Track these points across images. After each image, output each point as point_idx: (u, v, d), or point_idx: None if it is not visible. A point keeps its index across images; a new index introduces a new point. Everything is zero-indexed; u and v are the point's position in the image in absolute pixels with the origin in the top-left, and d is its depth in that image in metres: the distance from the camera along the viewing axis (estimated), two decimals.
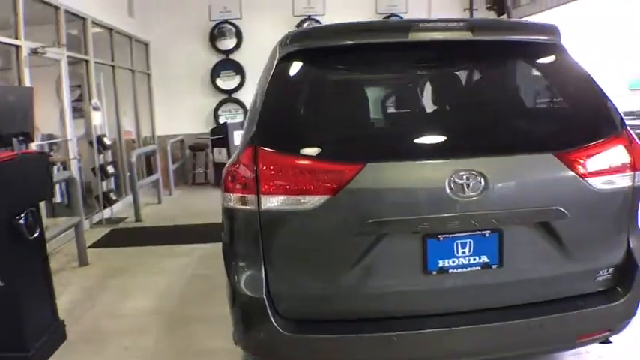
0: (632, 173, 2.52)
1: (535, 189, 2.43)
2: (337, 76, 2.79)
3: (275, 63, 2.61)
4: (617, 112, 2.62)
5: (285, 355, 2.47)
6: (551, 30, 2.72)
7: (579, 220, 2.44)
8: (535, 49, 2.73)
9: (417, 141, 2.54)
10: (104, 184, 7.76)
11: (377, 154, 2.37)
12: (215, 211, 8.68)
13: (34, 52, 6.24)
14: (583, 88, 2.64)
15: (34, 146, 5.47)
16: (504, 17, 10.20)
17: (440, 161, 2.37)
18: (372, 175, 2.30)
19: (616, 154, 2.51)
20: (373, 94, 2.94)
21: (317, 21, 11.12)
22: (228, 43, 11.36)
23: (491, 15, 10.86)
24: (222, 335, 3.53)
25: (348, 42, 2.54)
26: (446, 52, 2.70)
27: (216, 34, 11.31)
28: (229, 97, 11.55)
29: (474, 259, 2.41)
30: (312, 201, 2.30)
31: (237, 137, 10.31)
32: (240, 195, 2.41)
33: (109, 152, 8.05)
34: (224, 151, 10.50)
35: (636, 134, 2.62)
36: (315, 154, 2.36)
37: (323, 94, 2.74)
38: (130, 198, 8.42)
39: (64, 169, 6.96)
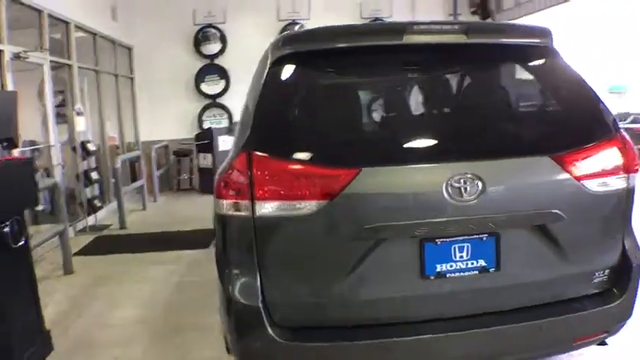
0: (626, 175, 2.54)
1: (532, 192, 2.42)
2: (331, 80, 2.76)
3: (268, 66, 2.57)
4: (611, 114, 2.64)
5: None
6: (544, 33, 2.72)
7: (576, 223, 2.45)
8: (528, 51, 2.73)
9: (413, 145, 2.52)
10: (88, 190, 7.64)
11: (373, 158, 2.34)
12: (201, 217, 8.64)
13: (16, 56, 6.13)
14: (577, 91, 2.64)
15: (16, 152, 5.36)
16: (489, 21, 10.28)
17: (437, 165, 2.35)
18: (369, 179, 2.27)
19: (611, 157, 2.51)
20: (368, 97, 2.92)
21: (302, 25, 11.09)
22: (213, 48, 11.29)
23: (475, 19, 10.94)
24: (214, 344, 3.48)
25: (342, 45, 2.51)
26: (440, 54, 2.69)
27: (200, 38, 11.24)
28: (214, 102, 11.48)
29: (472, 264, 2.39)
30: (308, 206, 2.27)
31: (223, 142, 10.30)
32: (234, 201, 2.36)
33: (93, 158, 7.93)
34: (209, 156, 10.43)
35: None
36: (310, 159, 2.32)
37: (317, 98, 2.71)
38: (114, 204, 8.30)
39: (48, 175, 6.83)
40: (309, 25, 10.67)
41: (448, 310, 2.43)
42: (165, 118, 11.13)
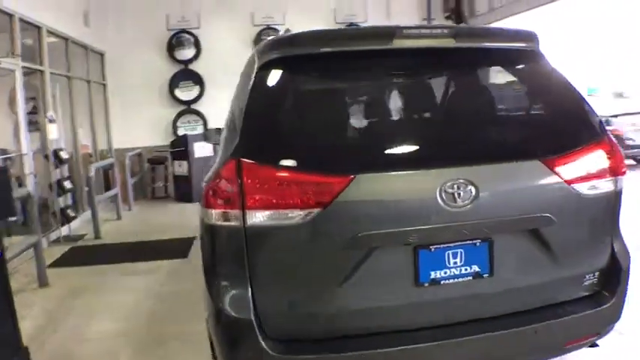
0: (614, 178, 2.56)
1: (524, 196, 2.41)
2: (321, 85, 2.72)
3: (255, 71, 2.51)
4: (597, 116, 2.66)
5: None
6: (530, 36, 2.73)
7: (567, 226, 2.45)
8: (516, 55, 2.74)
9: (406, 150, 2.49)
10: (61, 199, 7.45)
11: (367, 165, 2.30)
12: (178, 225, 8.48)
13: None
14: (564, 94, 2.66)
15: None
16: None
17: (430, 170, 2.32)
18: (363, 186, 2.23)
19: (600, 160, 2.53)
20: (359, 102, 2.88)
21: (277, 30, 11.04)
22: (187, 53, 11.17)
23: (449, 24, 11.05)
24: (198, 354, 3.39)
25: (332, 49, 2.47)
26: (430, 59, 2.67)
27: (174, 43, 11.11)
28: (188, 108, 11.35)
29: (465, 269, 2.37)
30: (301, 215, 2.21)
31: (199, 149, 10.18)
32: (223, 210, 2.29)
33: (66, 166, 7.74)
34: (185, 163, 10.31)
35: None
36: (302, 166, 2.26)
37: (308, 103, 2.67)
38: (88, 214, 8.12)
39: (20, 185, 6.63)
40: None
41: (442, 317, 2.41)
42: (138, 124, 10.94)
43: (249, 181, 2.23)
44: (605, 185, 2.53)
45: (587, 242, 2.59)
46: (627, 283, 2.63)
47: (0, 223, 4.69)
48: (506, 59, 2.78)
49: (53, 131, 7.21)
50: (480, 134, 2.58)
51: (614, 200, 2.59)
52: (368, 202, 2.24)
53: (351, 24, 11.23)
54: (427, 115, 2.92)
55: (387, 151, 2.45)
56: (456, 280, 2.36)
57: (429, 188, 2.26)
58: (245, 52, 11.79)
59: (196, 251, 6.12)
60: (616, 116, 13.10)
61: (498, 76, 2.94)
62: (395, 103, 2.81)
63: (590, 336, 2.61)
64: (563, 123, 2.62)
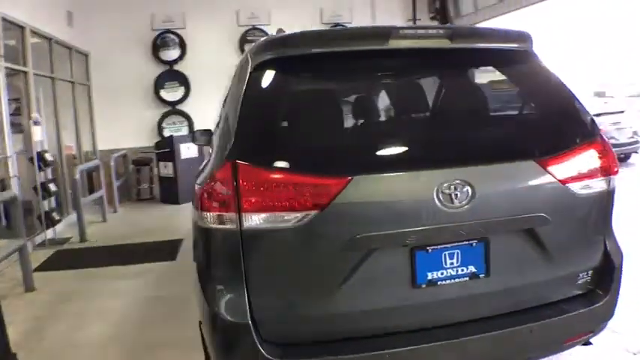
0: (607, 177, 2.58)
1: (519, 196, 2.42)
2: (316, 85, 2.71)
3: (249, 72, 2.48)
4: (590, 116, 2.67)
5: None
6: (524, 37, 2.74)
7: (561, 225, 2.47)
8: (511, 56, 2.75)
9: (404, 151, 2.48)
10: (46, 202, 7.33)
11: (364, 166, 2.28)
12: (164, 227, 8.37)
13: None
14: (558, 95, 2.68)
15: None
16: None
17: (427, 171, 2.31)
18: (360, 188, 2.21)
19: (593, 159, 2.55)
20: (355, 103, 2.86)
21: (262, 31, 11.01)
22: (172, 54, 11.06)
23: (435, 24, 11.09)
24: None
25: (327, 49, 2.45)
26: (426, 59, 2.67)
27: (159, 44, 11.00)
28: (174, 109, 11.25)
29: (462, 270, 2.37)
30: (298, 217, 2.19)
31: (185, 150, 10.11)
32: (219, 213, 2.27)
33: (50, 169, 7.62)
34: (170, 165, 10.22)
35: None
36: (299, 168, 2.24)
37: (304, 104, 2.64)
38: (73, 217, 7.99)
39: (4, 188, 6.52)
40: (270, 31, 10.61)
41: (439, 318, 2.40)
42: (123, 125, 10.82)
43: (245, 183, 2.21)
44: (598, 184, 2.55)
45: (581, 241, 2.61)
46: (620, 281, 2.66)
47: None
48: (501, 60, 2.79)
49: (38, 133, 7.09)
50: (476, 135, 2.59)
51: (607, 199, 2.61)
52: (365, 203, 2.23)
53: (337, 24, 11.23)
54: (423, 115, 2.92)
55: (384, 153, 2.44)
56: (452, 280, 2.36)
57: (427, 189, 2.26)
58: (230, 52, 11.66)
59: (184, 253, 6.11)
60: (598, 115, 13.27)
61: (493, 76, 2.95)
62: (391, 103, 2.81)
63: (584, 334, 2.63)
64: (557, 123, 2.64)
